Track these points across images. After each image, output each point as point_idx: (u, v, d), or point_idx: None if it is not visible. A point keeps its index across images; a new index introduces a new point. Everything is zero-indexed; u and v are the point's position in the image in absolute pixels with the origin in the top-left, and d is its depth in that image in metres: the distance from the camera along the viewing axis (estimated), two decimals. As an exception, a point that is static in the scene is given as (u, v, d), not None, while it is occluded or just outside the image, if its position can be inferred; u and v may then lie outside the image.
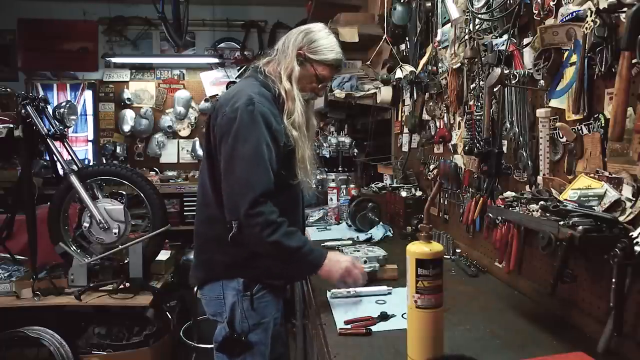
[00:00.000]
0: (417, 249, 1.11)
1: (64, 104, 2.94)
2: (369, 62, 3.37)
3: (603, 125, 1.25)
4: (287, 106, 1.60)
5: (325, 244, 2.28)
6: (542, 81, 1.48)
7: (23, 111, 2.67)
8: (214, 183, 1.59)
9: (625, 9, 1.10)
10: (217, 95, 5.84)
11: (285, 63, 1.63)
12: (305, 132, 1.64)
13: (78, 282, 2.65)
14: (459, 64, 2.03)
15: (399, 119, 3.07)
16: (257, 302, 1.62)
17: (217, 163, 1.58)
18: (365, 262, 1.79)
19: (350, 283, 1.59)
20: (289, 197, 1.66)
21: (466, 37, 1.92)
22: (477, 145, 1.78)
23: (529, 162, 1.56)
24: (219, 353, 1.67)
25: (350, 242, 2.33)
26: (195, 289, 2.98)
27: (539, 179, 1.52)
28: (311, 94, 1.70)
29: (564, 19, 1.36)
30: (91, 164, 5.09)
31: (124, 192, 2.90)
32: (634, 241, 1.03)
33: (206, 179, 1.64)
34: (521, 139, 1.59)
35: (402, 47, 2.93)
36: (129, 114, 5.84)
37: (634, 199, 1.13)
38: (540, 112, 1.49)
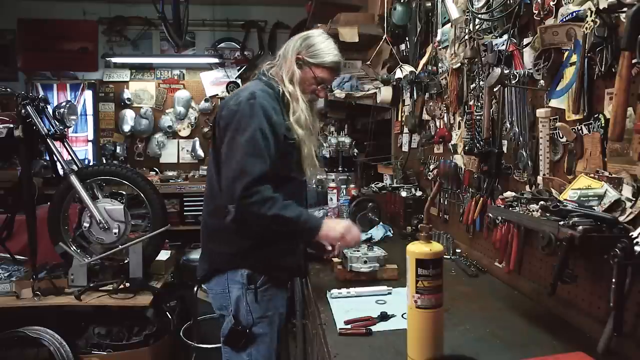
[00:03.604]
0: (417, 249, 1.11)
1: (64, 104, 2.93)
2: (369, 62, 3.37)
3: (603, 125, 1.25)
4: (292, 106, 1.69)
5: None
6: (542, 81, 1.48)
7: (23, 111, 2.67)
8: (219, 175, 1.67)
9: (625, 9, 1.10)
10: (217, 95, 5.86)
11: (286, 67, 1.72)
12: (311, 130, 1.73)
13: (78, 282, 2.65)
14: (459, 64, 2.03)
15: (399, 119, 3.07)
16: (261, 296, 1.69)
17: (221, 155, 1.66)
18: (365, 262, 1.80)
19: (349, 243, 1.67)
20: (290, 192, 1.69)
21: (466, 37, 1.92)
22: (477, 145, 1.78)
23: (529, 162, 1.56)
24: (226, 347, 1.72)
25: (350, 242, 2.33)
26: (196, 288, 2.99)
27: (539, 179, 1.52)
28: (312, 96, 1.77)
29: (564, 19, 1.36)
30: (91, 164, 5.09)
31: (124, 192, 2.90)
32: (634, 241, 1.03)
33: (213, 172, 1.72)
34: (521, 139, 1.59)
35: (402, 47, 2.93)
36: (129, 114, 5.84)
37: (634, 199, 1.13)
38: (540, 112, 1.48)
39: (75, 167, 2.73)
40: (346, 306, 1.56)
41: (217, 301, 1.76)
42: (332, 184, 3.20)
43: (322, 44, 1.73)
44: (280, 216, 1.56)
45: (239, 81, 5.80)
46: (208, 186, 1.78)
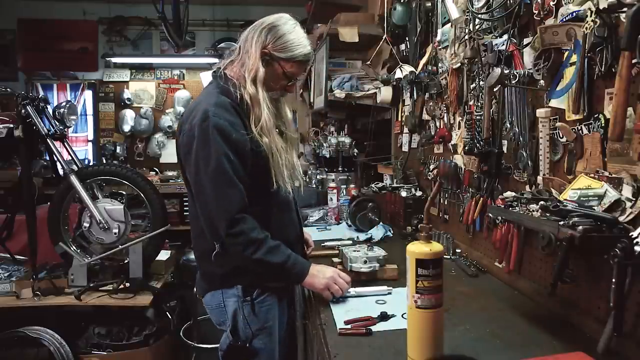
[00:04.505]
0: (417, 249, 1.11)
1: (64, 104, 2.94)
2: (369, 62, 3.36)
3: (603, 125, 1.24)
4: (254, 113, 1.52)
5: (325, 244, 2.28)
6: (542, 81, 1.48)
7: (23, 111, 2.67)
8: (193, 199, 1.59)
9: (625, 9, 1.10)
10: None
11: (249, 65, 1.53)
12: (276, 136, 1.57)
13: (78, 282, 2.65)
14: (459, 64, 2.03)
15: (399, 119, 3.07)
16: (258, 307, 1.61)
17: (191, 185, 1.57)
18: (365, 262, 1.79)
19: (335, 292, 1.56)
20: (275, 202, 1.64)
21: (466, 37, 1.92)
22: (477, 145, 1.78)
23: (529, 162, 1.56)
24: None
25: (350, 242, 2.33)
26: (196, 289, 3.00)
27: (539, 179, 1.52)
28: (281, 92, 1.63)
29: (564, 19, 1.36)
30: (91, 164, 5.09)
31: (124, 192, 2.90)
32: (634, 241, 1.03)
33: (190, 193, 1.62)
34: (521, 139, 1.59)
35: (402, 47, 2.93)
36: (129, 114, 5.85)
37: (634, 199, 1.13)
38: (540, 112, 1.48)
39: (75, 167, 2.73)
40: (346, 306, 1.56)
41: (215, 317, 1.69)
42: (332, 184, 3.21)
43: (292, 35, 1.53)
44: (265, 261, 1.50)
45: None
46: (191, 205, 1.65)
